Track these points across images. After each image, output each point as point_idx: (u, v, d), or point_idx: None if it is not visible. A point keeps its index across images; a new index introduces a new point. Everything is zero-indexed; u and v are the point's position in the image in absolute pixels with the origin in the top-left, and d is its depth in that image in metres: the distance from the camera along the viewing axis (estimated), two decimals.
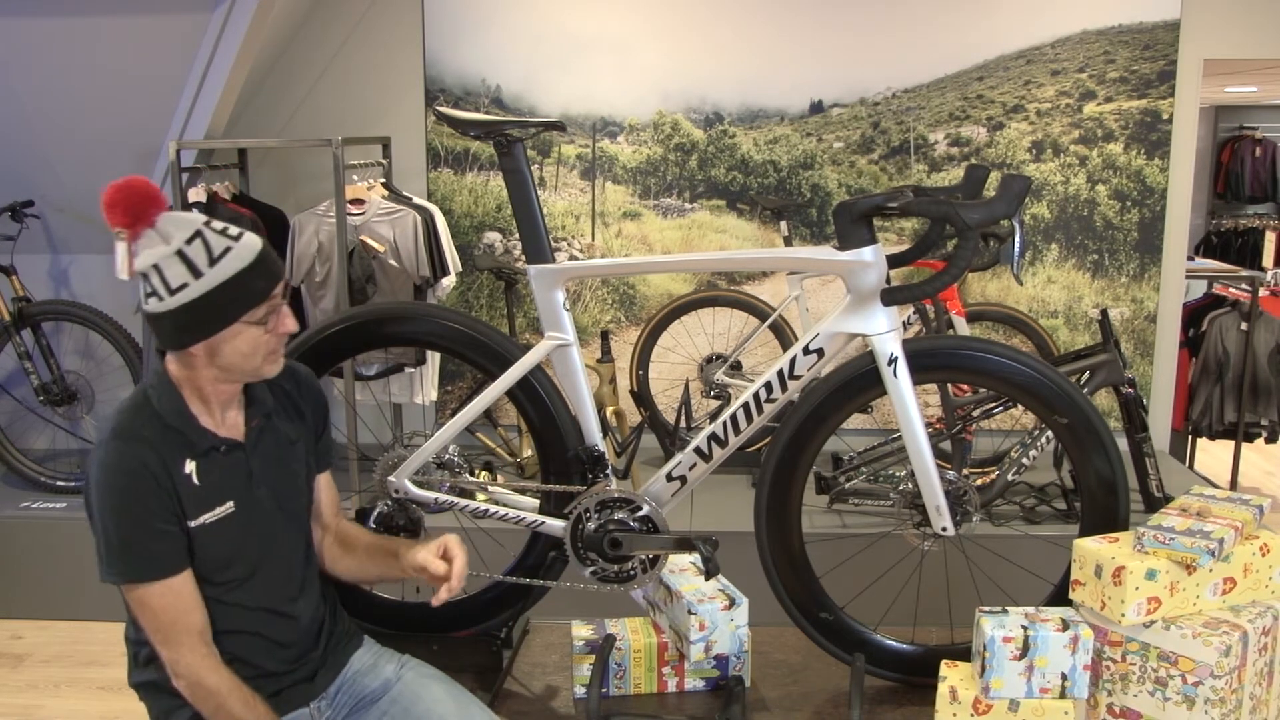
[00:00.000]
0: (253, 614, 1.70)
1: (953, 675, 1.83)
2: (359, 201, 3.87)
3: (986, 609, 1.83)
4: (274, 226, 3.94)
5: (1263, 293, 4.71)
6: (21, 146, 4.05)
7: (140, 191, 1.58)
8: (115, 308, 4.01)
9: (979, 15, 4.22)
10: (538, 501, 2.15)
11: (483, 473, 3.85)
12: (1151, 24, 4.19)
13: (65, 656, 3.46)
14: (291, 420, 1.80)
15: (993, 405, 3.55)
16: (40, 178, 4.13)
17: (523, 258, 2.39)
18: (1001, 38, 4.23)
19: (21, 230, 4.08)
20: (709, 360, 4.13)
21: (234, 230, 1.63)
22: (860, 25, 4.25)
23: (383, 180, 4.10)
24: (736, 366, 4.07)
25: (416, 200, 4.04)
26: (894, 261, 2.03)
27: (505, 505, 2.11)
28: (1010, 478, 3.42)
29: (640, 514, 2.01)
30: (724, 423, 1.99)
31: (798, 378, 1.95)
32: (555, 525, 2.05)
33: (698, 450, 2.02)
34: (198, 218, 1.62)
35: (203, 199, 3.82)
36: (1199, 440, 4.95)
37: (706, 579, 1.99)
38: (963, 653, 1.98)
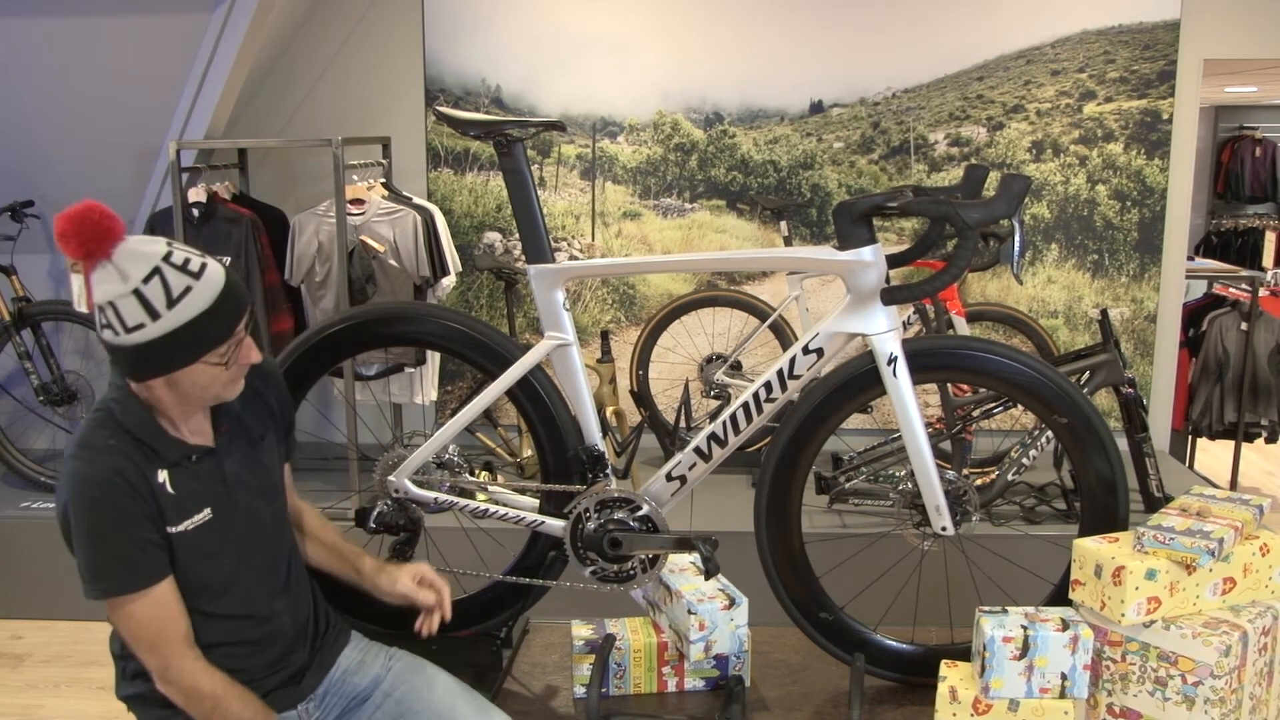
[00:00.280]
0: (236, 620, 1.67)
1: (953, 675, 1.83)
2: (359, 201, 3.87)
3: (986, 609, 1.83)
4: (274, 226, 3.94)
5: (1263, 293, 4.71)
6: (21, 146, 4.05)
7: (93, 222, 1.50)
8: None
9: (979, 15, 4.22)
10: (537, 501, 2.15)
11: (483, 473, 3.85)
12: (1151, 24, 4.19)
13: (65, 656, 3.46)
14: (260, 416, 1.78)
15: (993, 405, 3.55)
16: (40, 178, 4.13)
17: (523, 258, 2.39)
18: (1001, 38, 4.23)
19: (21, 230, 4.08)
20: (709, 360, 4.13)
21: (196, 264, 1.55)
22: (860, 25, 4.25)
23: (383, 180, 4.09)
24: (736, 366, 4.07)
25: (416, 200, 4.04)
26: (894, 261, 2.03)
27: (505, 505, 2.11)
28: (1010, 478, 3.42)
29: (640, 514, 2.01)
30: (724, 423, 1.99)
31: (797, 377, 1.94)
32: (555, 525, 2.05)
33: (697, 450, 2.02)
34: (158, 251, 1.53)
35: (203, 199, 3.82)
36: (1199, 440, 4.95)
37: (706, 579, 1.99)
38: (963, 653, 1.98)
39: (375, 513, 2.09)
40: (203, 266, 1.56)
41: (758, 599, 2.12)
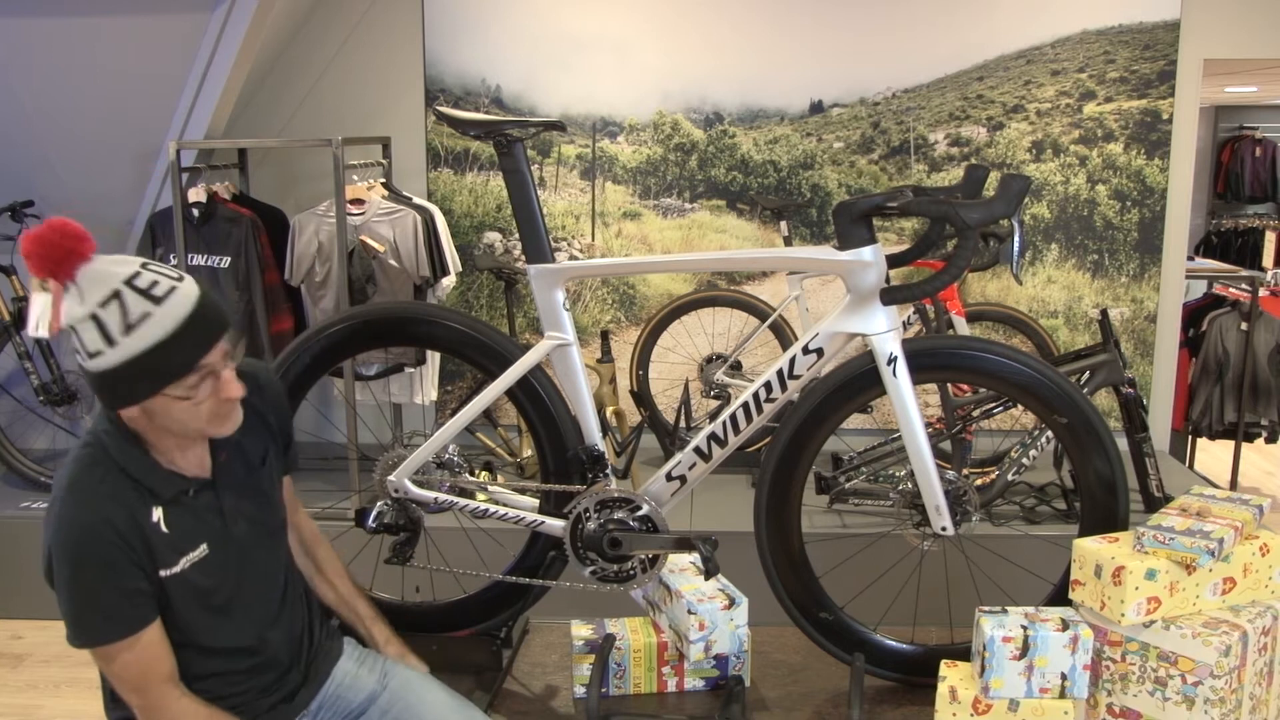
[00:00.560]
0: (230, 651, 1.63)
1: (953, 675, 1.83)
2: (359, 201, 3.87)
3: (986, 609, 1.83)
4: (274, 226, 3.94)
5: (1263, 293, 4.71)
6: (21, 146, 4.05)
7: (53, 243, 1.42)
8: None
9: (979, 15, 4.22)
10: (537, 501, 2.15)
11: (483, 472, 3.85)
12: (1151, 24, 4.19)
13: (65, 656, 3.46)
14: (258, 434, 1.71)
15: (993, 405, 3.55)
16: (40, 178, 4.13)
17: (523, 258, 2.39)
18: (1001, 38, 4.23)
19: (21, 230, 4.08)
20: (709, 360, 4.13)
21: (164, 288, 1.45)
22: (860, 25, 4.25)
23: (383, 180, 4.10)
24: (736, 366, 4.07)
25: (416, 200, 4.04)
26: (894, 261, 2.03)
27: (505, 505, 2.11)
28: (1010, 478, 3.42)
29: (640, 514, 2.01)
30: (724, 422, 1.99)
31: (797, 377, 1.94)
32: (555, 525, 2.05)
33: (697, 450, 2.02)
34: (121, 273, 1.45)
35: (203, 199, 3.82)
36: (1199, 440, 4.95)
37: (706, 579, 1.99)
38: (963, 653, 1.98)
39: (375, 513, 2.09)
40: (170, 290, 1.46)
41: (758, 599, 2.12)
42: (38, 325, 3.42)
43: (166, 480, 1.55)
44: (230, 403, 1.54)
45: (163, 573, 1.53)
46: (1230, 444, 4.81)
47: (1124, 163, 4.29)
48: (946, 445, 3.66)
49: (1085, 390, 3.42)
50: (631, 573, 2.03)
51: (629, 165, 4.39)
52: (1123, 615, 1.74)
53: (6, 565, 3.72)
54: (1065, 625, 1.76)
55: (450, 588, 2.25)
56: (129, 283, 1.45)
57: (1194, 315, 4.88)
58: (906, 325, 3.93)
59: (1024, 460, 3.40)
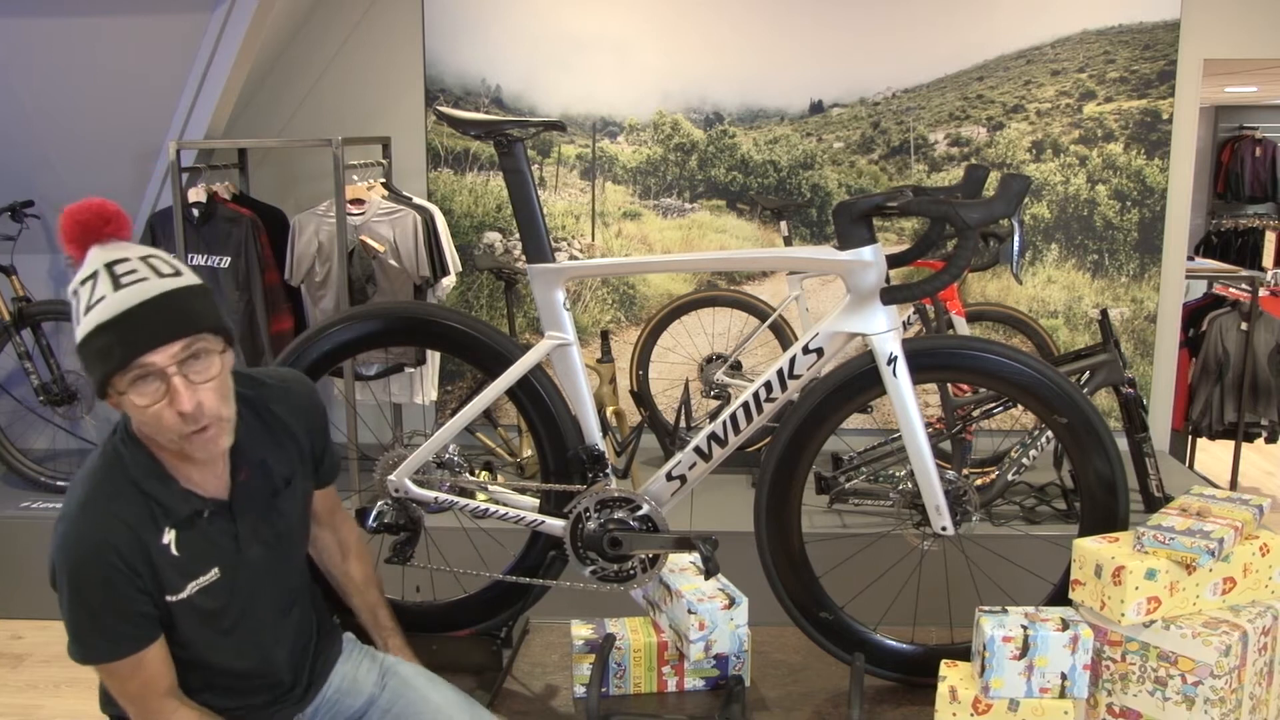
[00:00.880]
0: (236, 662, 1.62)
1: (953, 675, 1.83)
2: (359, 201, 3.87)
3: (986, 609, 1.83)
4: (274, 226, 3.94)
5: (1263, 293, 4.71)
6: (21, 146, 4.05)
7: (78, 219, 1.43)
8: None
9: (979, 15, 4.22)
10: (537, 501, 2.15)
11: (483, 472, 3.85)
12: (1151, 24, 4.19)
13: (65, 656, 3.44)
14: (286, 451, 1.66)
15: (993, 405, 3.55)
16: (40, 178, 4.13)
17: (523, 258, 2.39)
18: (1001, 38, 4.23)
19: (21, 230, 4.08)
20: (709, 360, 4.13)
21: (132, 276, 1.40)
22: (860, 25, 4.25)
23: (383, 180, 4.10)
24: (736, 366, 4.07)
25: (416, 200, 4.04)
26: (894, 261, 2.03)
27: (505, 505, 2.11)
28: (1010, 478, 3.42)
29: (640, 513, 2.01)
30: (724, 422, 1.99)
31: (797, 377, 1.94)
32: (555, 525, 2.05)
33: (697, 450, 2.02)
34: (111, 256, 1.42)
35: (203, 199, 3.82)
36: (1199, 440, 4.95)
37: (706, 578, 1.99)
38: (963, 652, 1.98)
39: (375, 512, 2.09)
40: (135, 281, 1.40)
41: (758, 599, 2.12)
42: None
43: (182, 499, 1.50)
44: (192, 418, 1.42)
45: (169, 598, 1.50)
46: (1230, 444, 4.81)
47: (1124, 163, 4.29)
48: (946, 445, 3.66)
49: (1085, 390, 3.42)
50: (631, 572, 2.03)
51: (629, 165, 4.39)
52: (1123, 615, 1.74)
53: (6, 565, 3.72)
54: (1065, 625, 1.76)
55: (450, 587, 2.25)
56: (108, 265, 1.41)
57: (1194, 315, 4.88)
58: (906, 325, 3.93)
59: (1024, 460, 3.40)
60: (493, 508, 2.08)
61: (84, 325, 1.40)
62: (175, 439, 1.44)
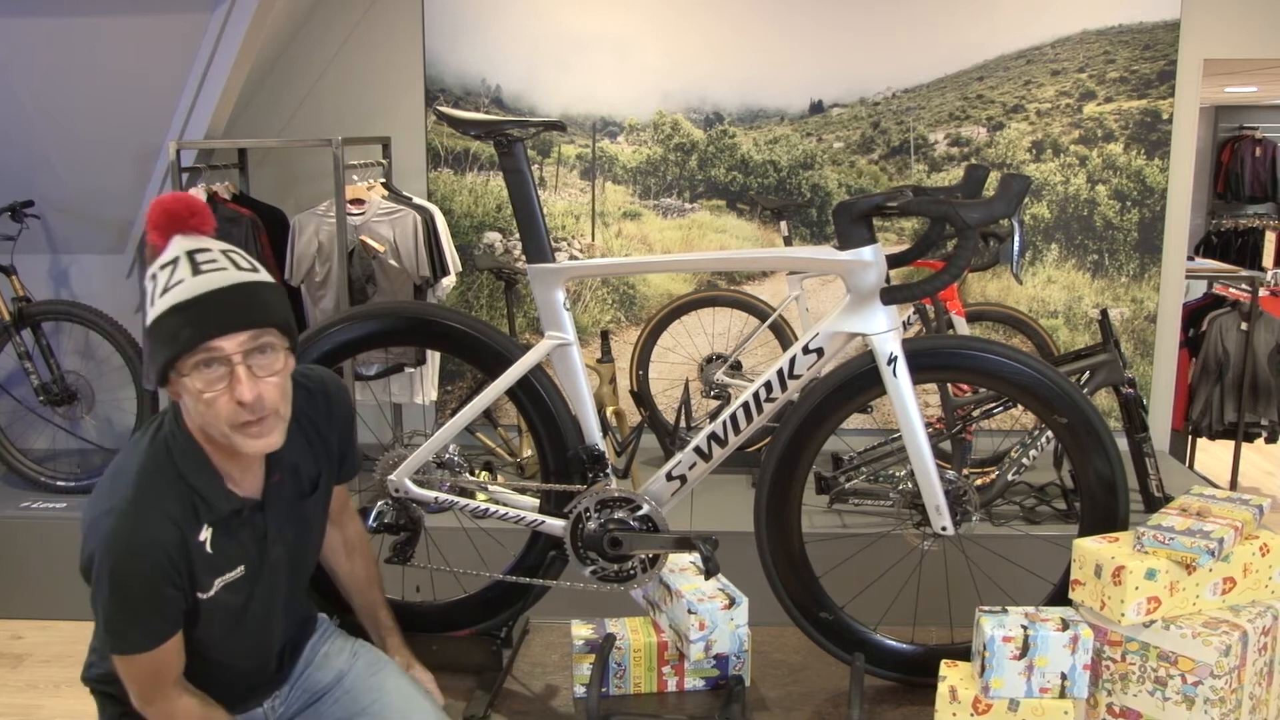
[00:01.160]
0: (240, 656, 1.66)
1: (953, 675, 1.83)
2: (359, 201, 3.87)
3: (986, 609, 1.83)
4: (274, 226, 3.94)
5: (1263, 293, 4.71)
6: (21, 146, 4.05)
7: (164, 210, 1.47)
8: (115, 308, 4.01)
9: (979, 15, 4.22)
10: (538, 501, 2.15)
11: (483, 472, 3.85)
12: (1151, 24, 4.19)
13: (65, 656, 3.46)
14: (315, 455, 1.69)
15: (993, 405, 3.55)
16: (40, 178, 4.13)
17: (523, 258, 2.39)
18: (1001, 38, 4.23)
19: (21, 230, 4.08)
20: (709, 360, 4.13)
21: (211, 265, 1.44)
22: (860, 25, 4.25)
23: (383, 180, 4.10)
24: (736, 366, 4.08)
25: (416, 200, 4.04)
26: (894, 261, 2.03)
27: (505, 505, 2.11)
28: (1010, 478, 3.42)
29: (640, 513, 2.01)
30: (724, 422, 1.99)
31: (797, 377, 1.94)
32: (555, 525, 2.05)
33: (697, 450, 2.02)
34: (194, 245, 1.46)
35: (203, 199, 3.81)
36: (1199, 440, 4.95)
37: (706, 578, 1.99)
38: (963, 652, 1.98)
39: (376, 512, 2.09)
40: (214, 269, 1.44)
41: (758, 599, 2.12)
42: None
43: (223, 496, 1.52)
44: (251, 408, 1.44)
45: (199, 595, 1.53)
46: (1230, 444, 4.81)
47: (1124, 163, 4.29)
48: (946, 445, 3.66)
49: (1085, 390, 3.42)
50: (632, 572, 2.03)
51: (629, 165, 4.39)
52: (1123, 615, 1.74)
53: (6, 565, 3.72)
54: (1065, 625, 1.76)
55: (450, 587, 2.25)
56: (190, 253, 1.45)
57: (1194, 315, 4.88)
58: (906, 325, 3.93)
59: (1024, 460, 3.40)
60: (493, 508, 2.08)
61: (158, 306, 1.43)
62: (226, 430, 1.45)
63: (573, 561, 2.04)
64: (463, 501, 2.09)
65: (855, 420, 2.38)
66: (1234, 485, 4.76)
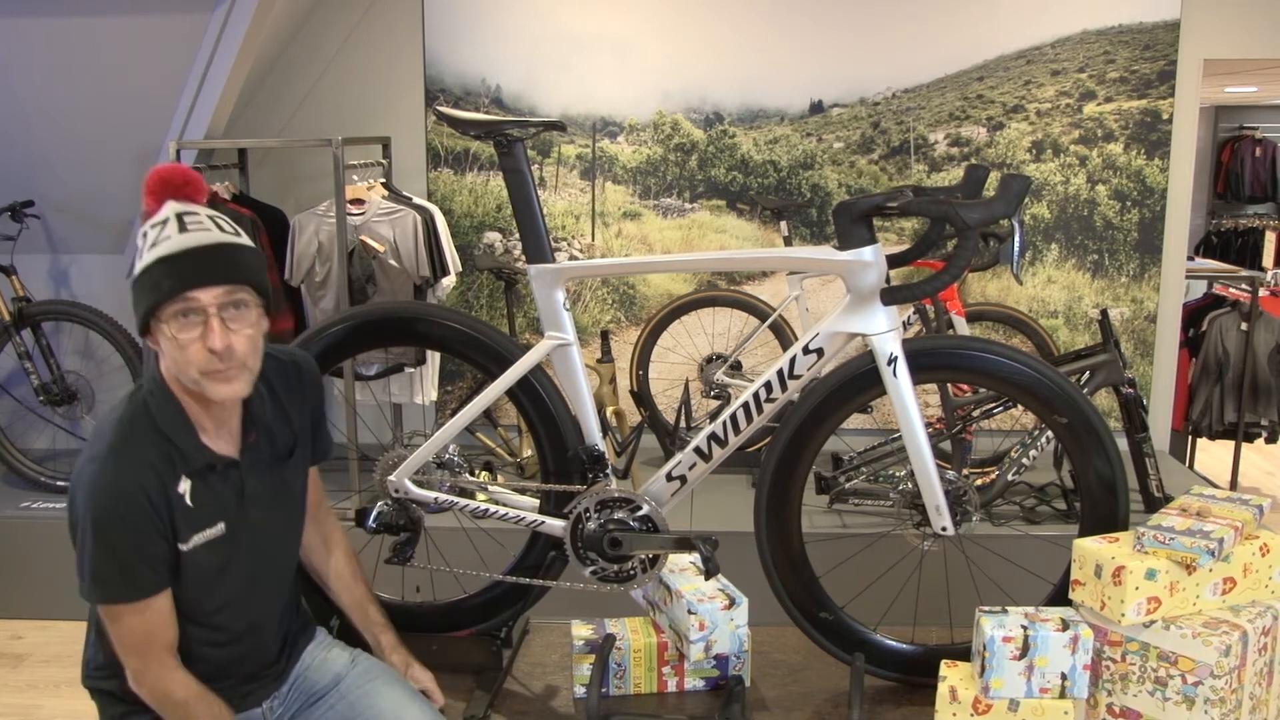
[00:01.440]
0: (228, 633, 1.68)
1: (953, 675, 1.83)
2: (359, 201, 3.87)
3: (986, 609, 1.83)
4: (274, 226, 3.94)
5: (1263, 293, 4.71)
6: (21, 146, 4.05)
7: (162, 178, 1.58)
8: (115, 308, 4.01)
9: (979, 15, 4.22)
10: (537, 501, 2.15)
11: (483, 472, 3.85)
12: (1151, 24, 4.19)
13: (65, 656, 3.46)
14: (290, 424, 1.75)
15: (993, 405, 3.55)
16: (40, 178, 4.13)
17: (523, 258, 2.39)
18: (1001, 38, 4.23)
19: (21, 230, 4.08)
20: (709, 360, 4.13)
21: (197, 223, 1.55)
22: (860, 25, 4.25)
23: (383, 180, 4.10)
24: (736, 366, 4.07)
25: (416, 200, 4.04)
26: (894, 261, 2.03)
27: (505, 505, 2.11)
28: (1010, 478, 3.42)
29: (640, 514, 2.01)
30: (724, 422, 1.99)
31: (797, 377, 1.94)
32: (555, 525, 2.05)
33: (697, 450, 2.02)
34: (186, 207, 1.57)
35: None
36: (1199, 440, 4.95)
37: (706, 579, 1.99)
38: (963, 653, 1.98)
39: (375, 513, 2.09)
40: (199, 227, 1.55)
41: (758, 599, 2.12)
42: None
43: (199, 450, 1.59)
44: (227, 357, 1.54)
45: (180, 546, 1.57)
46: (1230, 444, 4.81)
47: (1124, 163, 4.29)
48: (946, 445, 3.66)
49: (1085, 390, 3.42)
50: (632, 573, 2.03)
51: (629, 165, 4.39)
52: (1123, 615, 1.74)
53: (6, 565, 3.72)
54: (1065, 625, 1.76)
55: (450, 588, 2.25)
56: (179, 215, 1.56)
57: (1194, 315, 4.88)
58: (906, 325, 3.93)
59: (1024, 460, 3.40)
60: (493, 508, 2.08)
61: (145, 259, 1.54)
62: (196, 376, 1.54)
63: (573, 562, 2.04)
64: (463, 502, 2.09)
65: (855, 420, 2.38)
66: (1234, 485, 4.76)
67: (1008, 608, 1.84)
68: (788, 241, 4.13)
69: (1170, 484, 3.65)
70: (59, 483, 4.00)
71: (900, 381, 1.89)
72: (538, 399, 2.06)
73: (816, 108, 4.33)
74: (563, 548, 2.04)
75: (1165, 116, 4.25)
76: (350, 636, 1.97)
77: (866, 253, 1.86)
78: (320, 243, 3.86)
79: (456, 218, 4.38)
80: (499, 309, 4.44)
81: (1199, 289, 5.13)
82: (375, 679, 1.83)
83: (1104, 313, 3.55)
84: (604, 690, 2.06)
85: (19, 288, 4.00)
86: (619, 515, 2.01)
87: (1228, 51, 4.23)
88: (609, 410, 3.76)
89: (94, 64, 3.83)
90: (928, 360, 1.94)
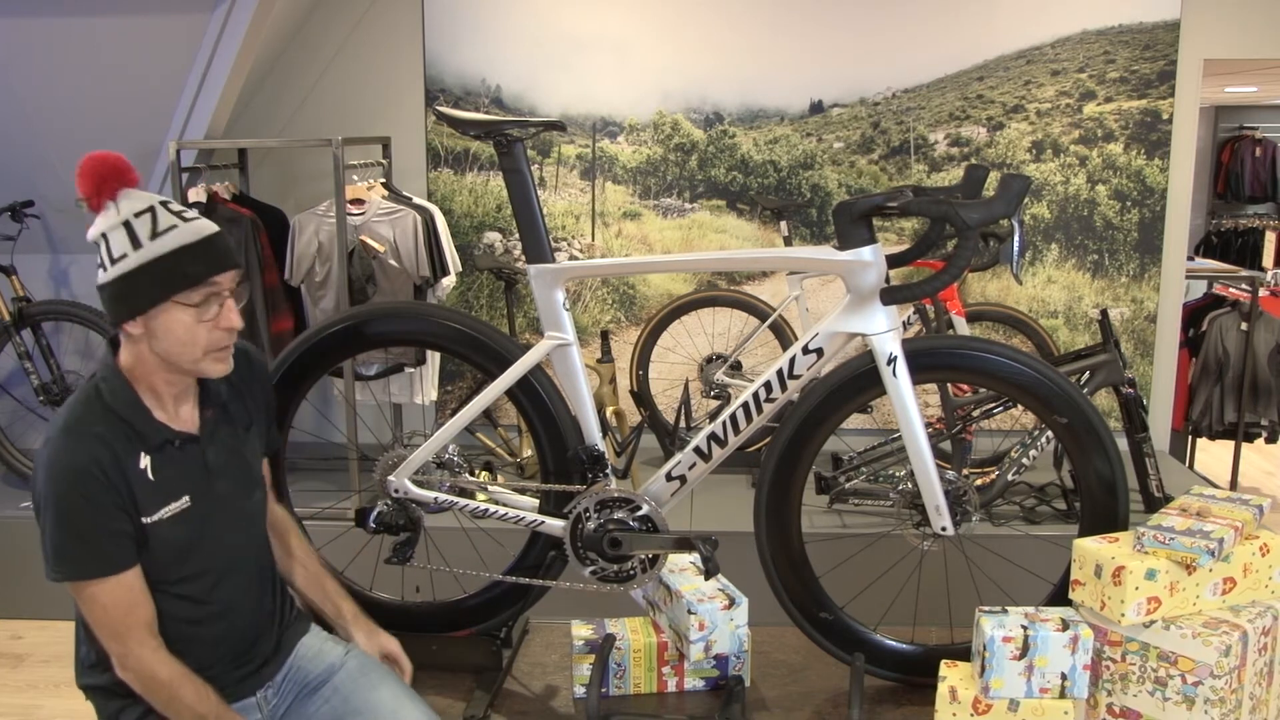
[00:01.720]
0: (206, 610, 1.68)
1: (953, 675, 1.83)
2: (359, 201, 3.87)
3: (986, 609, 1.83)
4: (274, 226, 3.94)
5: (1263, 293, 4.71)
6: (21, 146, 4.05)
7: (107, 165, 1.62)
8: None
9: (979, 15, 4.22)
10: (537, 501, 2.15)
11: (483, 472, 3.85)
12: (1151, 24, 4.19)
13: (65, 656, 3.45)
14: (245, 405, 1.80)
15: (993, 405, 3.55)
16: (40, 178, 4.13)
17: (523, 258, 2.39)
18: (1001, 38, 4.23)
19: (21, 230, 4.08)
20: (709, 360, 4.13)
21: (191, 214, 1.63)
22: (860, 25, 4.25)
23: (383, 180, 4.09)
24: (736, 366, 4.07)
25: (416, 200, 4.04)
26: (894, 261, 2.03)
27: (505, 505, 2.11)
28: (1010, 478, 3.42)
29: (640, 513, 2.01)
30: (724, 422, 1.99)
31: (797, 377, 1.94)
32: (555, 525, 2.05)
33: (697, 450, 2.02)
34: (157, 197, 1.62)
35: (203, 199, 3.81)
36: (1199, 440, 4.95)
37: (706, 579, 1.99)
38: (963, 653, 1.98)
39: (375, 513, 2.09)
40: (195, 217, 1.62)
41: (758, 599, 2.12)
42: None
43: (156, 428, 1.63)
44: (228, 335, 1.63)
45: (145, 519, 1.59)
46: (1230, 444, 4.81)
47: (1124, 163, 4.29)
48: (946, 445, 3.66)
49: (1085, 390, 3.42)
50: (631, 573, 2.03)
51: (629, 165, 4.39)
52: (1123, 615, 1.74)
53: (6, 565, 3.72)
54: (1065, 625, 1.76)
55: (450, 588, 2.25)
56: (163, 204, 1.61)
57: (1194, 315, 4.88)
58: (906, 325, 3.93)
59: (1024, 460, 3.40)
60: (492, 508, 2.08)
61: (158, 247, 1.57)
62: (199, 357, 1.61)
63: (572, 562, 2.04)
64: (462, 502, 2.09)
65: (855, 420, 2.38)
66: (1234, 485, 4.76)
67: (1008, 608, 1.84)
68: (788, 241, 4.13)
69: (1170, 484, 3.65)
70: None
71: (900, 381, 1.89)
72: (537, 399, 2.06)
73: (816, 108, 4.33)
74: (562, 548, 2.04)
75: (1165, 116, 4.25)
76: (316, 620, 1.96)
77: (866, 253, 1.86)
78: (320, 243, 3.86)
79: (456, 218, 4.38)
80: (499, 309, 4.44)
81: (1199, 289, 5.13)
82: (369, 673, 1.83)
83: (1104, 313, 3.55)
84: (604, 690, 2.06)
85: (19, 288, 4.00)
86: (619, 515, 2.01)
87: (1228, 51, 4.23)
88: (609, 410, 3.76)
89: (94, 64, 3.83)
90: (927, 360, 1.94)
